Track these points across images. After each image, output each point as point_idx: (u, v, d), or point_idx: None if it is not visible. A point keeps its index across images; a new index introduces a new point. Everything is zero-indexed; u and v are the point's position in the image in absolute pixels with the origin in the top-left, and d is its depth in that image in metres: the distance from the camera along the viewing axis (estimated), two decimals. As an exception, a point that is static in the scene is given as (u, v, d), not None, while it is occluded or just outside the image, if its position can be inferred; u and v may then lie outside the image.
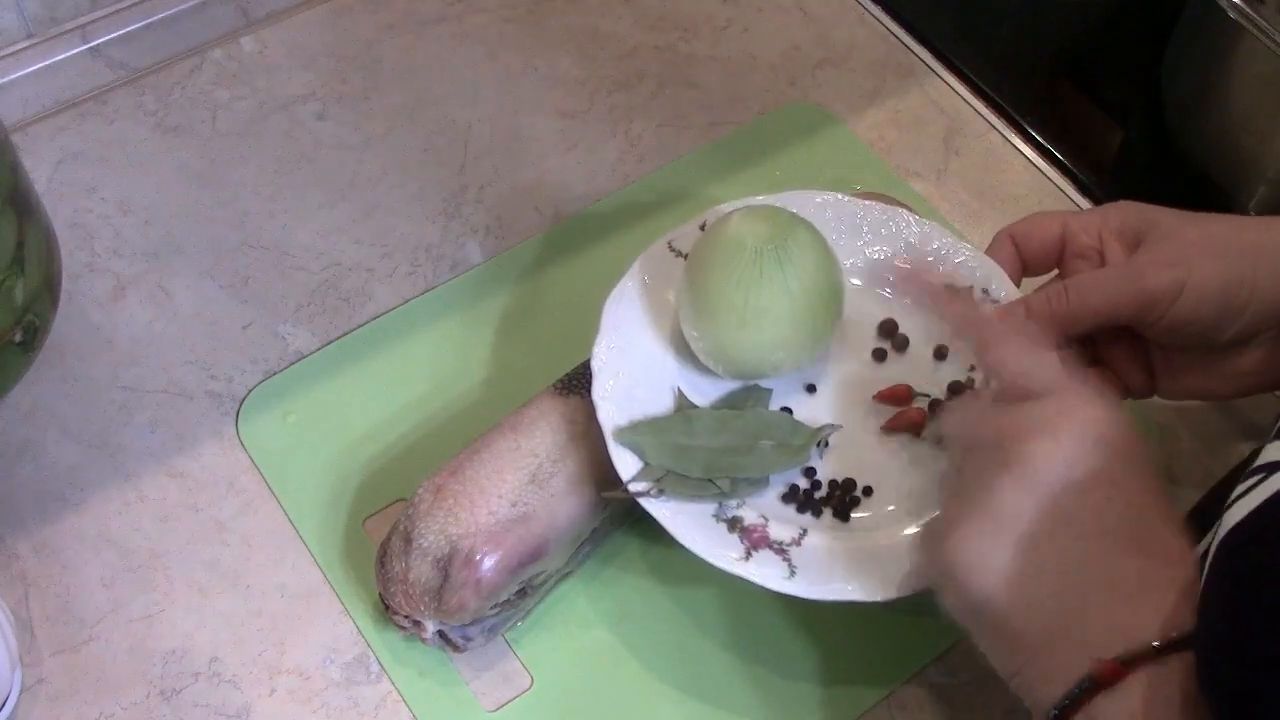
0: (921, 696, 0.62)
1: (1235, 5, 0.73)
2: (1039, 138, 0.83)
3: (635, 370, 0.62)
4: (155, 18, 0.83)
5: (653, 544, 0.65)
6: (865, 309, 0.66)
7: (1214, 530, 0.47)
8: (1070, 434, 0.50)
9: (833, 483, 0.61)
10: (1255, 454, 0.48)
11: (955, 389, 0.63)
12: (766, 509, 0.60)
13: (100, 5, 0.82)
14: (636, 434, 0.60)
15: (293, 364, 0.70)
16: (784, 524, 0.59)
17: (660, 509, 0.58)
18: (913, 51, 0.87)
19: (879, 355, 0.65)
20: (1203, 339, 0.59)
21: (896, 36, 0.88)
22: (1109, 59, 0.93)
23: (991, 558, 0.49)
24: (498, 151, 0.80)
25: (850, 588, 0.57)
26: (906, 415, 0.63)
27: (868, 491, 0.61)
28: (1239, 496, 0.46)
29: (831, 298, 0.61)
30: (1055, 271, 0.64)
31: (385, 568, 0.59)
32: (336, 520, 0.65)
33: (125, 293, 0.73)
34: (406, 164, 0.79)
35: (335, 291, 0.73)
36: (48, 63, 0.81)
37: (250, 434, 0.68)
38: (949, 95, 0.85)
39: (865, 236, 0.67)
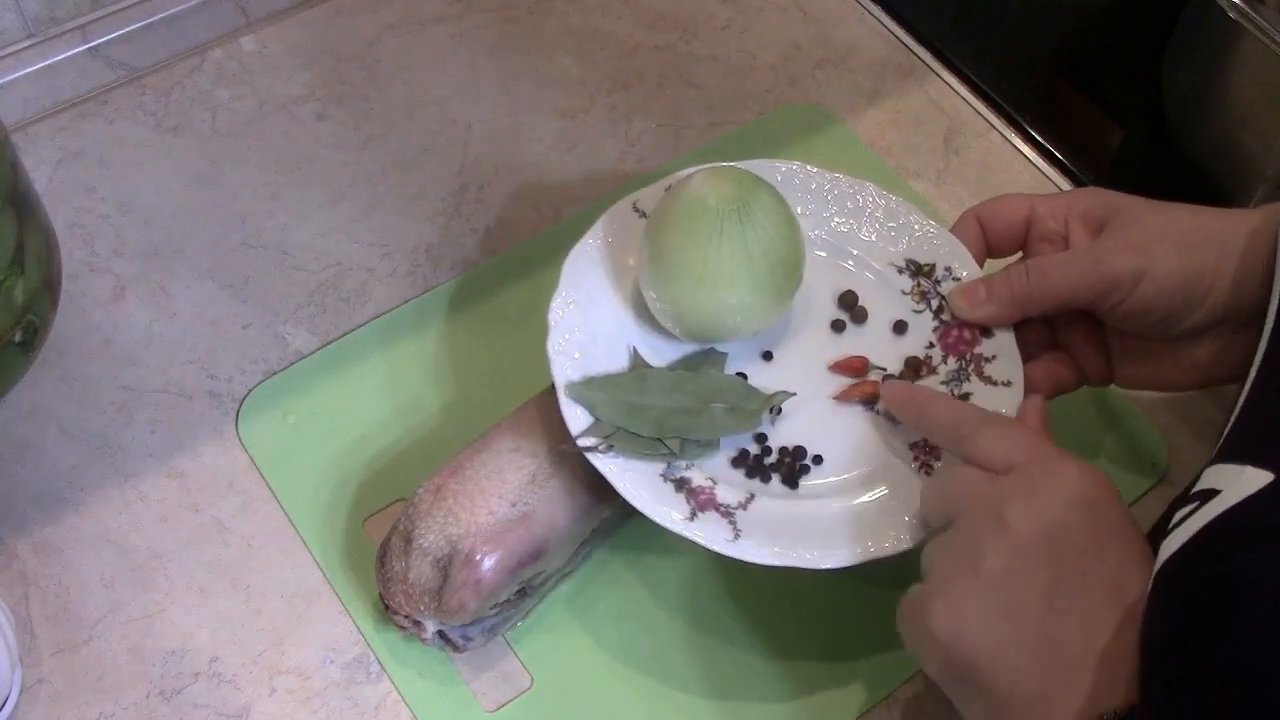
0: (922, 696, 0.62)
1: (1235, 5, 0.73)
2: (1039, 138, 0.83)
3: (592, 327, 0.63)
4: (155, 18, 0.83)
5: (653, 544, 0.65)
6: (827, 280, 0.66)
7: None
8: (1053, 495, 0.51)
9: (783, 449, 0.61)
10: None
11: (912, 364, 0.64)
12: (715, 472, 0.60)
13: (100, 5, 0.82)
14: (589, 390, 0.60)
15: (293, 364, 0.70)
16: (732, 487, 0.59)
17: (607, 465, 0.58)
18: (913, 51, 0.87)
19: (838, 327, 0.65)
20: (1161, 327, 0.60)
21: (896, 36, 0.88)
22: (1109, 59, 0.93)
23: (979, 622, 0.50)
24: (498, 151, 0.80)
25: (794, 555, 0.57)
26: (861, 387, 0.63)
27: (818, 460, 0.61)
28: (1176, 524, 0.46)
29: (791, 263, 0.61)
30: (1020, 254, 0.64)
31: (385, 568, 0.59)
32: (336, 520, 0.65)
33: (125, 293, 0.73)
34: (406, 164, 0.79)
35: (335, 291, 0.73)
36: (48, 63, 0.81)
37: (250, 434, 0.68)
38: (949, 95, 0.85)
39: (830, 208, 0.67)
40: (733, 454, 0.61)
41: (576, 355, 0.61)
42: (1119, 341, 0.63)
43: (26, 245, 0.61)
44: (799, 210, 0.65)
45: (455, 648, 0.60)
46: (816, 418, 0.62)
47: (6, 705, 0.58)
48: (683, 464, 0.60)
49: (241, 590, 0.63)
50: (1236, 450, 0.47)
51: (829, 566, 0.57)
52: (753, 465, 0.61)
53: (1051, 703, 0.48)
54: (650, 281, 0.61)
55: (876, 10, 0.89)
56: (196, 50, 0.83)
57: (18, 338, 0.62)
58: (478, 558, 0.57)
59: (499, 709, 0.61)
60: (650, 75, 0.84)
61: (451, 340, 0.72)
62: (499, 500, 0.58)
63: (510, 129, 0.81)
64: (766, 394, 0.62)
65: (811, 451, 0.61)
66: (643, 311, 0.64)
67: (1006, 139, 0.83)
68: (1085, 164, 0.82)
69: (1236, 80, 0.76)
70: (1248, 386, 0.50)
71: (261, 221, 0.76)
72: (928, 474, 0.60)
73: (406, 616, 0.59)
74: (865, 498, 0.60)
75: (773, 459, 0.61)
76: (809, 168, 0.68)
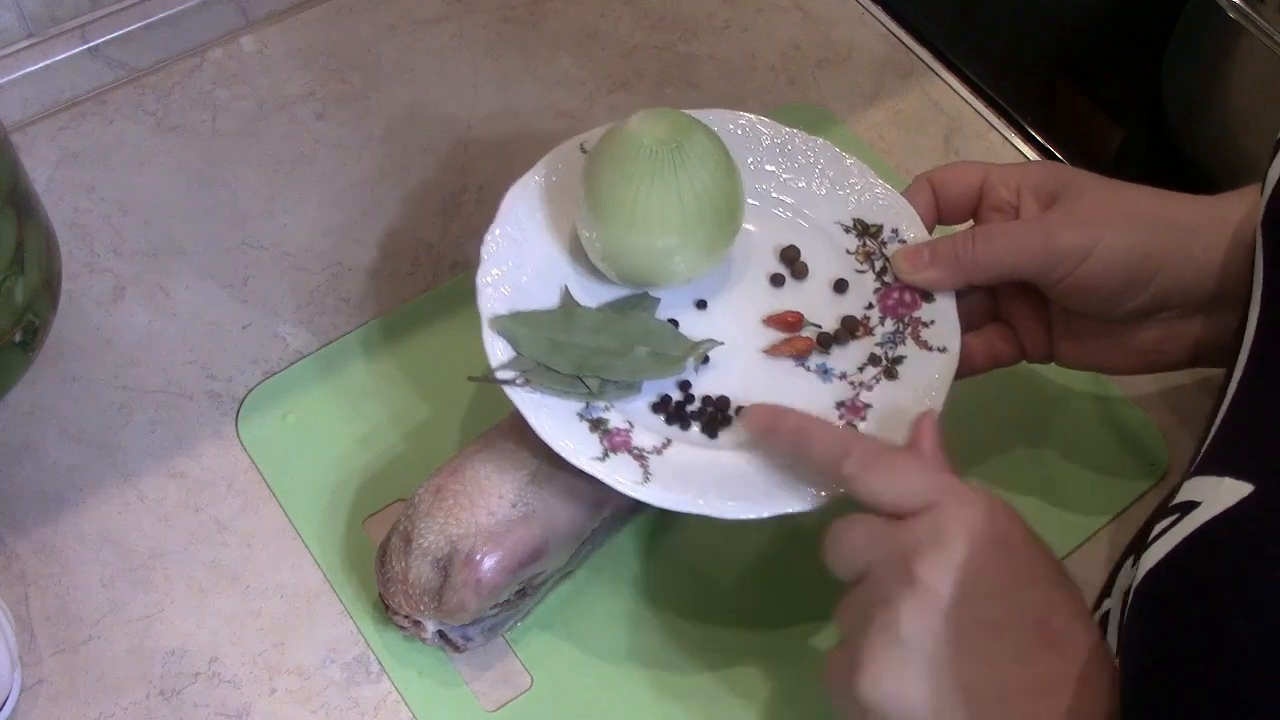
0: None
1: (1235, 5, 0.73)
2: (1039, 138, 0.83)
3: (526, 264, 0.62)
4: (155, 18, 0.83)
5: (654, 543, 0.65)
6: (770, 233, 0.66)
7: (1135, 567, 0.47)
8: (961, 540, 0.49)
9: (706, 398, 0.61)
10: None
11: (849, 324, 0.63)
12: (634, 415, 0.60)
13: (100, 5, 0.82)
14: (513, 323, 0.60)
15: (293, 364, 0.70)
16: (649, 432, 0.59)
17: (523, 399, 0.58)
18: (913, 51, 0.87)
19: (777, 281, 0.65)
20: (1104, 306, 0.59)
21: (896, 36, 0.88)
22: (1109, 59, 0.93)
23: (908, 688, 0.48)
24: (498, 151, 0.80)
25: (703, 502, 0.56)
26: (793, 343, 0.62)
27: (740, 412, 0.60)
28: (1155, 538, 0.46)
29: (727, 210, 0.60)
30: (970, 222, 0.63)
31: (385, 568, 0.59)
32: (336, 520, 0.65)
33: (125, 293, 0.73)
34: (406, 164, 0.79)
35: (335, 291, 0.73)
36: (48, 63, 0.81)
37: (250, 434, 0.68)
38: (949, 95, 0.85)
39: (782, 162, 0.67)
40: (654, 399, 0.61)
41: (506, 290, 0.61)
42: (1062, 319, 0.62)
43: (26, 245, 0.61)
44: (750, 162, 0.65)
45: (455, 648, 0.60)
46: (744, 370, 0.62)
47: (6, 705, 0.58)
48: (601, 405, 0.59)
49: (241, 590, 0.63)
50: (1215, 462, 0.47)
51: (737, 517, 0.56)
52: (673, 412, 0.60)
53: None
54: (585, 221, 0.61)
55: (876, 10, 0.89)
56: (196, 50, 0.83)
57: (18, 338, 0.62)
58: (478, 558, 0.57)
59: (499, 709, 0.61)
60: (650, 75, 0.84)
61: (451, 340, 0.72)
62: (499, 500, 0.58)
63: (510, 129, 0.81)
64: (693, 341, 0.61)
65: (735, 403, 0.61)
66: (579, 252, 0.63)
67: (1006, 139, 0.83)
68: (1085, 164, 0.81)
69: (1236, 80, 0.76)
70: (1228, 400, 0.50)
71: (261, 221, 0.76)
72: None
73: (406, 616, 0.59)
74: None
75: (694, 407, 0.60)
76: (765, 121, 0.67)
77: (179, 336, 0.71)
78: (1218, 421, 0.50)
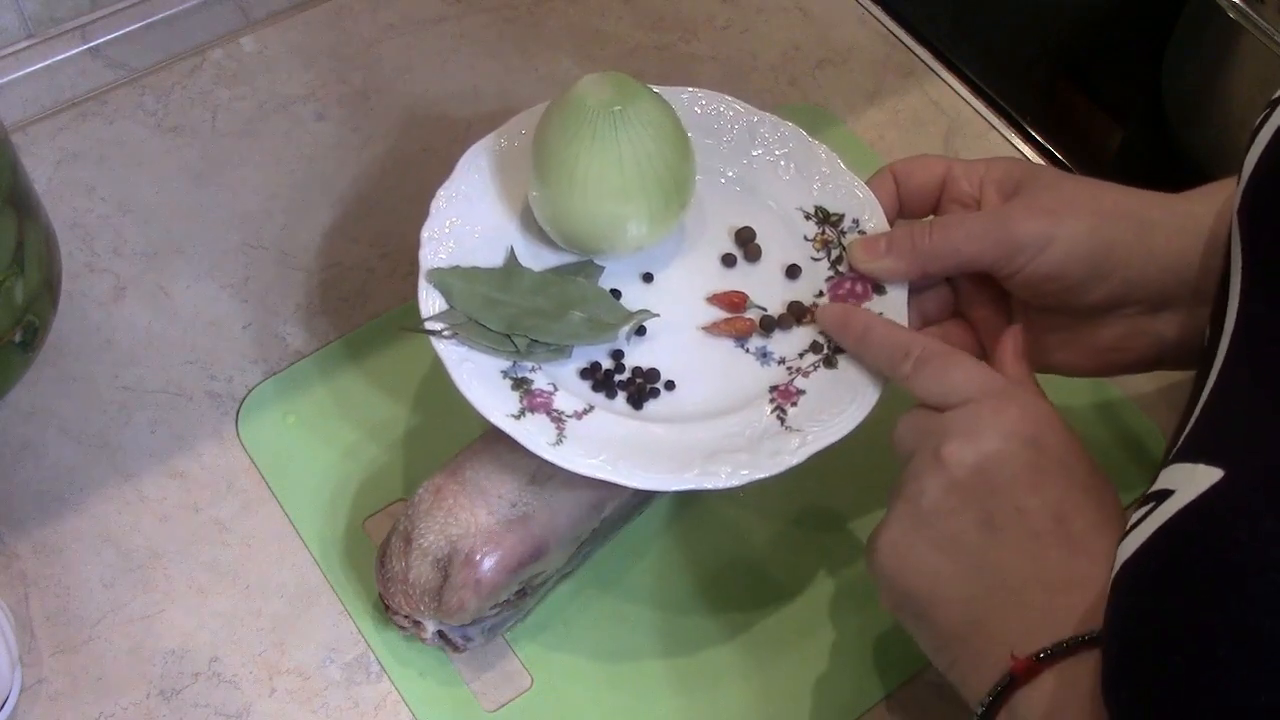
0: (922, 696, 0.62)
1: (1235, 5, 0.73)
2: (1039, 138, 0.83)
3: (475, 222, 0.63)
4: (155, 18, 0.83)
5: (653, 543, 0.65)
6: (728, 213, 0.65)
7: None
8: (993, 433, 0.52)
9: (637, 370, 0.61)
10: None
11: (795, 309, 0.62)
12: (560, 379, 0.60)
13: (100, 5, 0.82)
14: (449, 276, 0.60)
15: (293, 364, 0.70)
16: (573, 396, 0.59)
17: (449, 352, 0.58)
18: (913, 51, 0.87)
19: (728, 261, 0.64)
20: (1064, 298, 0.59)
21: (896, 36, 0.88)
22: (1109, 59, 0.93)
23: (914, 555, 0.52)
24: (498, 151, 0.80)
25: (612, 469, 0.56)
26: (734, 323, 0.62)
27: (669, 386, 0.60)
28: (1131, 527, 0.46)
29: (671, 181, 0.60)
30: (933, 216, 0.63)
31: (385, 568, 0.59)
32: (336, 520, 0.65)
33: (125, 293, 0.73)
34: (406, 164, 0.79)
35: (335, 291, 0.73)
36: (48, 63, 0.81)
37: (250, 434, 0.68)
38: (949, 95, 0.85)
39: (751, 144, 0.67)
40: (584, 365, 0.60)
41: (451, 246, 0.61)
42: (1022, 316, 0.61)
43: (26, 245, 0.61)
44: (714, 143, 0.65)
45: (455, 648, 0.60)
46: (680, 345, 0.62)
47: (6, 705, 0.58)
48: (529, 365, 0.59)
49: (241, 590, 0.63)
50: (1191, 450, 0.47)
51: (648, 487, 0.56)
52: (601, 379, 0.60)
53: (990, 631, 0.49)
54: (532, 181, 0.61)
55: (876, 10, 0.89)
56: (196, 50, 0.83)
57: (18, 338, 0.62)
58: (478, 558, 0.57)
59: (499, 709, 0.61)
60: (650, 75, 0.84)
61: (451, 340, 0.72)
62: (499, 500, 0.58)
63: (510, 129, 0.81)
64: (629, 311, 0.61)
65: (665, 377, 0.60)
66: (531, 216, 0.63)
67: (1006, 139, 0.83)
68: (1085, 164, 0.82)
69: (1236, 80, 0.76)
70: (1207, 389, 0.49)
71: (261, 221, 0.76)
72: (780, 419, 0.59)
73: (406, 616, 0.59)
74: (706, 429, 0.59)
75: (624, 377, 0.60)
76: (739, 103, 0.67)
77: (179, 336, 0.71)
78: (1196, 411, 0.49)
